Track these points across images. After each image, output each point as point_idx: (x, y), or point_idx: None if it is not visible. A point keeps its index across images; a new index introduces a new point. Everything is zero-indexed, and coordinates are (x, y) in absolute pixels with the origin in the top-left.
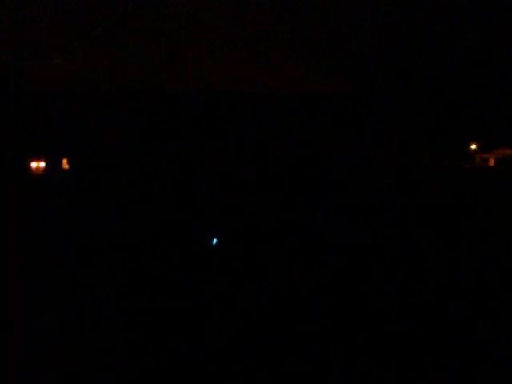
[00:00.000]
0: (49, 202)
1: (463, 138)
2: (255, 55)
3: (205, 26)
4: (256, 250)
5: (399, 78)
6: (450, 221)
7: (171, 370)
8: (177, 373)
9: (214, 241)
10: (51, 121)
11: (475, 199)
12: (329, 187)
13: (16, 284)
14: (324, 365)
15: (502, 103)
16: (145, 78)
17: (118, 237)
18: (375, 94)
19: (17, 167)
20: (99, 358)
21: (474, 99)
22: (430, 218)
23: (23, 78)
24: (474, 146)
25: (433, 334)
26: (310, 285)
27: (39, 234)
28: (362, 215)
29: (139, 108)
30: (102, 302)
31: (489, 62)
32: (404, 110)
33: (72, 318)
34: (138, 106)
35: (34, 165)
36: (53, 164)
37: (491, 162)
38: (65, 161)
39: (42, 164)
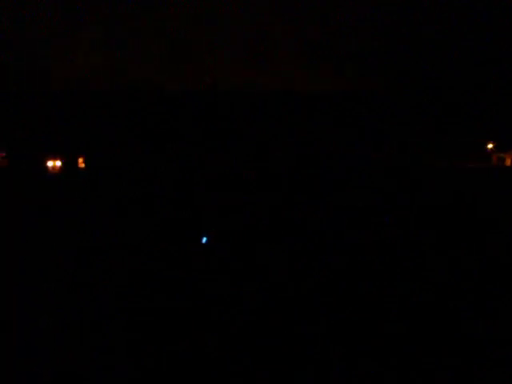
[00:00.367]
0: (65, 200)
1: (480, 138)
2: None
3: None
4: (255, 249)
5: (412, 77)
6: (463, 220)
7: (171, 370)
8: (177, 373)
9: (204, 239)
10: (68, 120)
11: (488, 199)
12: (329, 187)
13: (30, 283)
14: (324, 365)
15: None
16: (161, 77)
17: (132, 235)
18: (391, 93)
19: (33, 166)
20: (99, 358)
21: (491, 99)
22: (442, 217)
23: (41, 78)
24: (490, 146)
25: (433, 333)
26: (310, 284)
27: (55, 232)
28: (362, 215)
29: (156, 108)
30: (106, 300)
31: (505, 62)
32: (419, 110)
33: (74, 317)
34: (154, 105)
35: (50, 164)
36: (69, 163)
37: (508, 162)
38: (81, 160)
39: (58, 163)
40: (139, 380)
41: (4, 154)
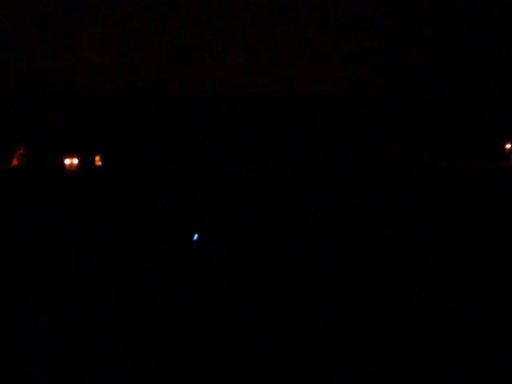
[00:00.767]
0: (82, 198)
1: (499, 138)
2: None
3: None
4: (255, 249)
5: (425, 73)
6: (472, 220)
7: (171, 370)
8: (177, 373)
9: (195, 236)
10: (85, 117)
11: (499, 200)
12: (329, 187)
13: (43, 281)
14: (324, 365)
15: None
16: (178, 75)
17: (144, 234)
18: (404, 91)
19: (51, 164)
20: (99, 357)
21: (509, 98)
22: (450, 218)
23: (60, 76)
24: (509, 146)
25: (433, 333)
26: (310, 284)
27: (72, 229)
28: (362, 215)
29: (173, 106)
30: (107, 299)
31: None
32: (434, 110)
33: (74, 316)
34: (171, 104)
35: (67, 161)
36: (86, 161)
37: None
38: (98, 157)
39: (76, 161)
40: (139, 380)
41: (22, 152)
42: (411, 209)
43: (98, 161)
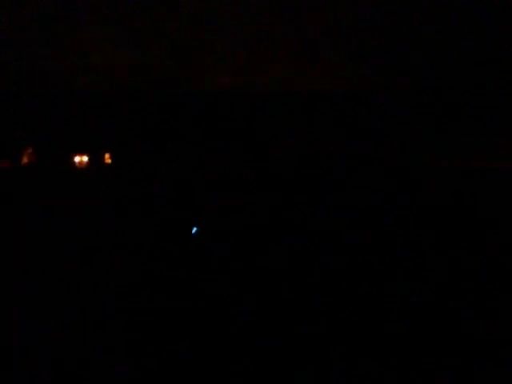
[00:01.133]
0: (92, 196)
1: (501, 138)
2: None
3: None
4: (255, 249)
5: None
6: (477, 221)
7: (171, 369)
8: (176, 372)
9: (194, 229)
10: (95, 115)
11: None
12: (329, 187)
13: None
14: (324, 365)
15: None
16: (187, 75)
17: (161, 232)
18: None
19: (60, 161)
20: (98, 357)
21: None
22: (453, 218)
23: (69, 74)
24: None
25: (433, 334)
26: (309, 284)
27: (83, 227)
28: (362, 215)
29: (183, 106)
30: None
31: None
32: (438, 109)
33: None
34: (181, 103)
35: (77, 159)
36: (96, 158)
37: None
38: (107, 155)
39: (85, 158)
40: (139, 380)
41: (31, 150)
42: (411, 209)
43: (107, 159)
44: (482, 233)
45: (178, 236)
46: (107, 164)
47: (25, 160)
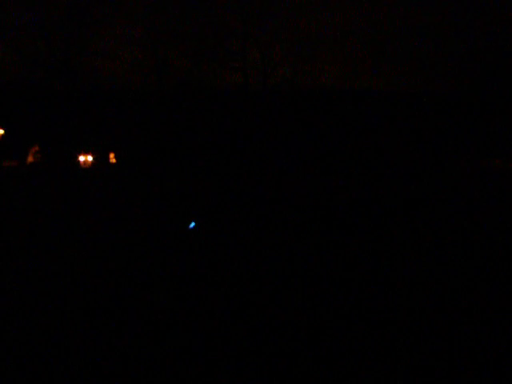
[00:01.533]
0: (97, 195)
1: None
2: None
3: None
4: (254, 249)
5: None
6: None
7: (170, 369)
8: (176, 372)
9: (192, 224)
10: (99, 115)
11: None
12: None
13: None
14: (324, 364)
15: None
16: (191, 75)
17: (166, 231)
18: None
19: (66, 161)
20: (98, 357)
21: None
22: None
23: (74, 74)
24: None
25: (433, 333)
26: (309, 284)
27: (87, 226)
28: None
29: (186, 106)
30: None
31: None
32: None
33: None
34: (185, 103)
35: (81, 159)
36: (100, 158)
37: None
38: (112, 155)
39: (90, 158)
40: (139, 380)
41: (37, 149)
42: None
43: (112, 158)
44: (483, 233)
45: (178, 232)
46: (112, 163)
47: (30, 159)
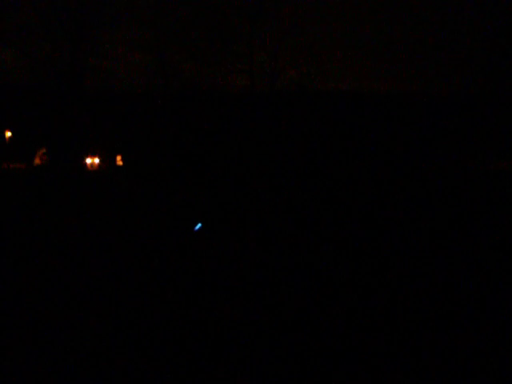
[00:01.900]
0: (103, 197)
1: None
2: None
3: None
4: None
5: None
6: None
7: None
8: (176, 372)
9: (198, 226)
10: (106, 117)
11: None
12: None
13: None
14: (324, 365)
15: None
16: (198, 77)
17: (173, 232)
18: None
19: (72, 163)
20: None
21: None
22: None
23: (82, 76)
24: None
25: (433, 334)
26: (309, 283)
27: (94, 229)
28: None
29: (193, 108)
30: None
31: None
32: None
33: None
34: (191, 105)
35: (88, 161)
36: (107, 160)
37: None
38: (119, 157)
39: (97, 160)
40: (139, 380)
41: (45, 151)
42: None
43: (118, 160)
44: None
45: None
46: (118, 166)
47: (37, 161)
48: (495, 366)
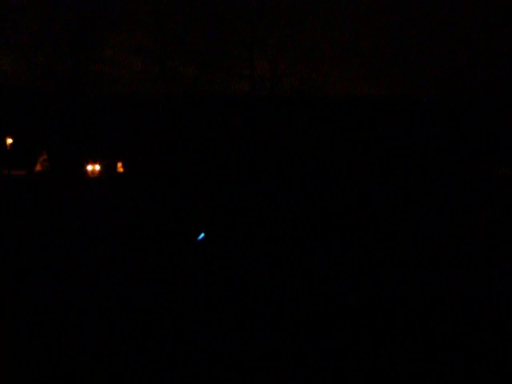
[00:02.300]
0: (104, 204)
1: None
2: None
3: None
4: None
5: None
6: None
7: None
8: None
9: (201, 235)
10: (107, 124)
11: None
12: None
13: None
14: (325, 364)
15: None
16: (199, 82)
17: (174, 240)
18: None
19: (73, 170)
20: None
21: None
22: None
23: (80, 82)
24: None
25: (433, 334)
26: (308, 284)
27: (95, 235)
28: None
29: (194, 113)
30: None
31: None
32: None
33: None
34: (191, 110)
35: (89, 168)
36: (108, 167)
37: None
38: (119, 164)
39: (98, 167)
40: (138, 380)
41: (46, 158)
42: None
43: (119, 167)
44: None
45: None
46: (119, 172)
47: (38, 168)
48: (495, 366)
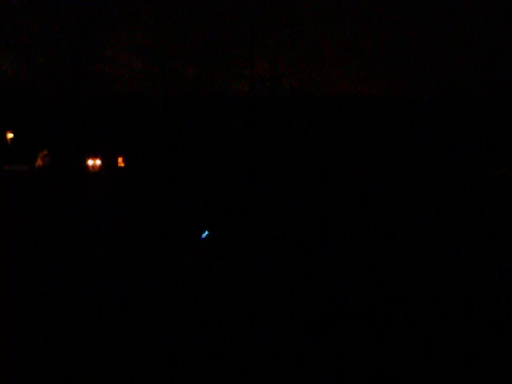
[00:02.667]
0: (105, 199)
1: None
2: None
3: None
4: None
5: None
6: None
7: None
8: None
9: (205, 234)
10: (108, 120)
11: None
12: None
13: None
14: (325, 364)
15: None
16: (201, 80)
17: (175, 236)
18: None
19: (74, 164)
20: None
21: None
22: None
23: (81, 80)
24: None
25: (433, 334)
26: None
27: (95, 230)
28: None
29: (194, 110)
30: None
31: None
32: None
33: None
34: (191, 107)
35: (90, 162)
36: (109, 162)
37: None
38: (120, 159)
39: (98, 162)
40: (138, 380)
41: (47, 153)
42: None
43: (120, 162)
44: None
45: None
46: (120, 167)
47: (39, 163)
48: (495, 366)
